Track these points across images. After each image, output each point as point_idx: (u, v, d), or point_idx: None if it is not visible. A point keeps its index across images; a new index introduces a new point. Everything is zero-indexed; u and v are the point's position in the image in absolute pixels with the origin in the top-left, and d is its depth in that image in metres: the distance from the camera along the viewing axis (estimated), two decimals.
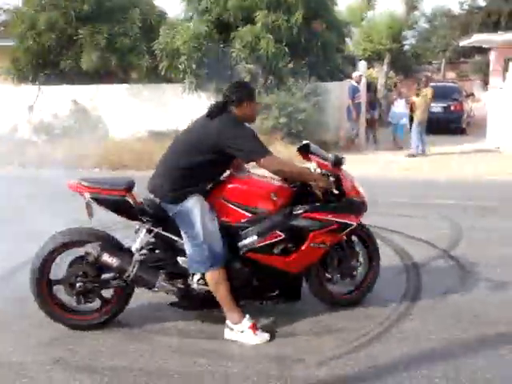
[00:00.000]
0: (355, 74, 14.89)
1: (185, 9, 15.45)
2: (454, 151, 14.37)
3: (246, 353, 3.80)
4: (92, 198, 4.05)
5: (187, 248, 3.92)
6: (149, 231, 4.07)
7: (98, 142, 14.15)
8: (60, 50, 16.73)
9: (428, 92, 13.69)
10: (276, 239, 3.98)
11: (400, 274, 5.28)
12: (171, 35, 14.62)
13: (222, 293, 3.94)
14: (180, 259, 4.06)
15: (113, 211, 4.13)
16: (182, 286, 4.08)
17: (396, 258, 5.73)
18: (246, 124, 4.08)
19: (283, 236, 3.98)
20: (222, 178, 4.16)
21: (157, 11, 17.36)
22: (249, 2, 13.93)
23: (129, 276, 3.99)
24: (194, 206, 3.88)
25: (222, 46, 14.28)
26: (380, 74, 24.62)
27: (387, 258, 5.69)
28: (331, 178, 4.10)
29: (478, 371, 3.51)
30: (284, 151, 12.81)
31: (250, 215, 4.02)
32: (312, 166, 4.17)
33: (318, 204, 4.07)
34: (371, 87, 16.69)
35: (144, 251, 4.13)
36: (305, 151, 4.14)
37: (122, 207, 4.07)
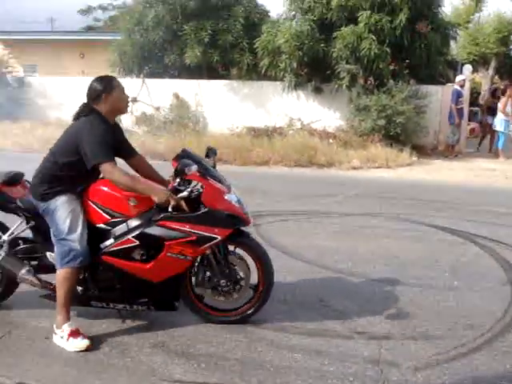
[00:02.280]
0: (459, 79, 14.49)
1: (288, 8, 15.48)
2: None
3: (342, 352, 3.80)
4: None
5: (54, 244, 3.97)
6: (27, 223, 4.19)
7: (197, 135, 14.52)
8: (165, 44, 17.23)
9: None
10: (129, 245, 3.89)
11: (504, 285, 5.14)
12: (273, 33, 14.74)
13: (62, 292, 3.88)
14: (49, 254, 4.12)
15: None
16: (49, 282, 4.14)
17: (499, 268, 5.58)
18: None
19: (137, 242, 3.88)
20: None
21: (259, 9, 17.51)
22: (352, 2, 13.79)
23: None
24: (61, 204, 3.91)
25: (323, 45, 14.24)
26: (484, 78, 23.78)
27: (490, 268, 5.58)
28: (184, 191, 3.82)
29: None
30: (381, 154, 12.73)
31: (109, 218, 3.96)
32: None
33: (175, 213, 3.84)
34: (496, 93, 16.13)
35: (20, 243, 4.25)
36: (177, 158, 3.91)
37: None
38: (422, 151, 14.25)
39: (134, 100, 17.31)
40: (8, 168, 4.32)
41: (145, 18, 16.78)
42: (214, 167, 4.22)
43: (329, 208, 8.20)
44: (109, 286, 4.08)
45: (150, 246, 3.89)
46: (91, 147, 3.78)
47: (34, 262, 4.22)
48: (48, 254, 4.12)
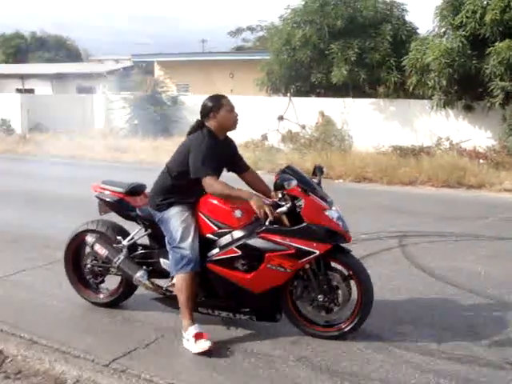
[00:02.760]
0: None
1: (438, 24, 15.11)
2: None
3: (492, 382, 3.63)
4: (96, 197, 4.79)
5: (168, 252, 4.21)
6: (145, 231, 4.59)
7: (343, 153, 14.54)
8: (312, 63, 17.47)
9: None
10: (233, 255, 4.05)
11: None
12: (422, 51, 14.45)
13: (182, 298, 4.11)
14: (162, 261, 4.42)
15: (112, 210, 4.74)
16: (160, 285, 4.47)
17: None
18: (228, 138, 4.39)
19: (240, 253, 4.03)
20: None
21: (408, 26, 17.27)
22: (508, 16, 13.18)
23: (113, 266, 4.57)
24: (174, 214, 4.18)
25: (474, 61, 13.72)
26: None
27: None
28: (284, 206, 4.00)
29: None
30: None
31: (216, 228, 4.16)
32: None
33: (276, 226, 3.98)
34: None
35: (138, 249, 4.65)
36: (280, 173, 4.12)
37: (119, 208, 4.65)
38: None
39: (281, 118, 17.73)
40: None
41: (292, 37, 17.13)
42: (319, 184, 4.34)
43: (478, 231, 7.86)
44: (214, 294, 4.31)
45: (252, 257, 4.05)
46: (195, 161, 4.09)
47: (150, 267, 4.55)
48: (162, 260, 4.45)
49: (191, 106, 20.03)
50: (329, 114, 17.03)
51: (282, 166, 4.34)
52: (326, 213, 4.06)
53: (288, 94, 18.17)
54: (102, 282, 4.91)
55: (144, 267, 4.52)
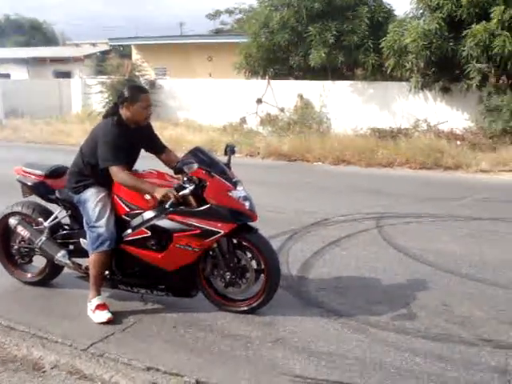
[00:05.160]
0: None
1: (415, 6, 15.10)
2: None
3: (466, 359, 3.69)
4: (18, 180, 4.92)
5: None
6: (66, 212, 4.72)
7: (322, 136, 14.58)
8: (290, 46, 17.41)
9: None
10: (143, 235, 4.21)
11: None
12: (400, 33, 14.46)
13: (94, 272, 4.33)
14: (82, 240, 4.55)
15: (33, 193, 4.87)
16: (80, 264, 4.62)
17: None
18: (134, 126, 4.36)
19: (149, 233, 4.19)
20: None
21: (385, 8, 17.23)
22: None
23: (35, 247, 4.73)
24: (90, 196, 4.33)
25: (451, 44, 13.76)
26: None
27: None
28: (187, 188, 4.06)
29: None
30: None
31: (128, 210, 4.30)
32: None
33: (183, 207, 4.11)
34: None
35: (60, 230, 4.78)
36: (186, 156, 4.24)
37: (39, 191, 4.79)
38: None
39: (259, 101, 17.67)
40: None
41: (270, 20, 17.04)
42: (228, 165, 4.44)
43: (455, 211, 7.94)
44: (130, 272, 4.49)
45: (161, 237, 4.19)
46: (101, 151, 4.20)
47: (71, 247, 4.71)
48: (82, 240, 4.57)
49: (169, 90, 19.96)
50: (307, 97, 17.00)
51: (190, 148, 4.42)
52: (230, 193, 4.18)
53: (266, 77, 18.11)
54: (30, 262, 5.05)
55: (69, 247, 4.69)
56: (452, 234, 6.77)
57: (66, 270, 4.85)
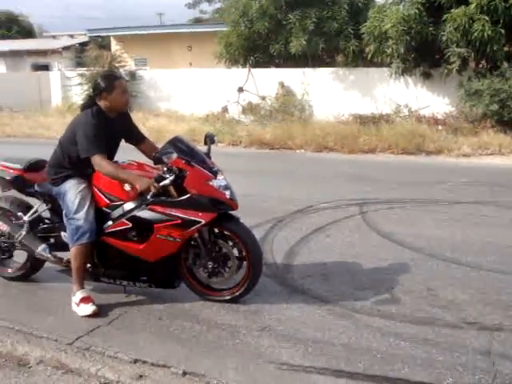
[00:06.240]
0: None
1: None
2: None
3: (451, 342, 3.72)
4: None
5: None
6: (46, 205, 4.65)
7: (304, 124, 14.58)
8: (270, 34, 17.38)
9: None
10: (124, 227, 4.17)
11: None
12: (379, 19, 14.48)
13: (76, 265, 4.28)
14: (62, 234, 4.50)
15: (12, 187, 4.79)
16: (61, 258, 4.57)
17: None
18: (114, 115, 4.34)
19: (130, 225, 4.15)
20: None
21: None
22: None
23: (15, 241, 4.70)
24: (69, 187, 4.29)
25: (431, 28, 13.80)
26: None
27: None
28: (167, 178, 3.98)
29: None
30: (493, 140, 12.24)
31: (109, 201, 4.26)
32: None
33: (163, 198, 4.06)
34: None
35: (41, 223, 4.71)
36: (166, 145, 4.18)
37: (17, 185, 4.73)
38: None
39: (241, 90, 17.62)
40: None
41: (249, 8, 17.01)
42: (208, 153, 4.43)
43: (437, 196, 7.99)
44: (112, 265, 4.45)
45: (142, 228, 4.15)
46: (82, 141, 4.14)
47: (52, 241, 4.66)
48: (62, 233, 4.52)
49: (149, 80, 19.83)
50: (288, 85, 17.01)
51: (170, 138, 4.39)
52: (211, 182, 4.15)
53: (247, 66, 18.06)
54: (11, 257, 4.99)
55: (50, 241, 4.64)
56: (435, 219, 6.81)
57: (48, 264, 4.80)
